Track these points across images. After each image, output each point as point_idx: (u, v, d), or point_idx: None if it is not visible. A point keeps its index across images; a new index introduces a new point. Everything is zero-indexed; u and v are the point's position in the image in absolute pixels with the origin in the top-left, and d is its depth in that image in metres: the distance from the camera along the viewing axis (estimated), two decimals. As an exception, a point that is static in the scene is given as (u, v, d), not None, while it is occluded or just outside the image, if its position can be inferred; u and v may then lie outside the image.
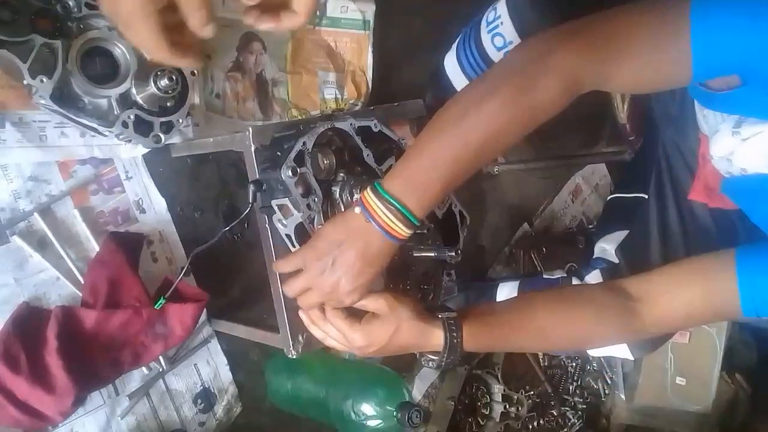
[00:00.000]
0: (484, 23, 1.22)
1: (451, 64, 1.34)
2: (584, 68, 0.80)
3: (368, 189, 0.82)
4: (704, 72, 0.78)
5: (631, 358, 1.24)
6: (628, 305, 0.95)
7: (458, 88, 1.34)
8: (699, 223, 1.17)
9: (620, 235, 1.32)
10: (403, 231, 0.82)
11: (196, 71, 1.08)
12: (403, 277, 1.03)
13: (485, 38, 1.22)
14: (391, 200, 0.80)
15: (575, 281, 1.28)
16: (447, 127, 0.81)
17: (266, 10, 0.76)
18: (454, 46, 1.34)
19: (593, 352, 1.29)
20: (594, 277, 1.26)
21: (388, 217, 0.80)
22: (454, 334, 0.89)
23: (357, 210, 0.83)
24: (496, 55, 1.22)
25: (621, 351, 1.23)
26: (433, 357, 0.93)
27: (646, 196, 1.26)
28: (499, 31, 1.19)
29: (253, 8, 0.75)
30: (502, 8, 1.17)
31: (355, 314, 0.92)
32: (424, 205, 0.81)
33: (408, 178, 0.81)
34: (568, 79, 0.79)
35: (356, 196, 0.84)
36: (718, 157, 0.97)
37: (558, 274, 1.35)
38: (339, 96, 1.41)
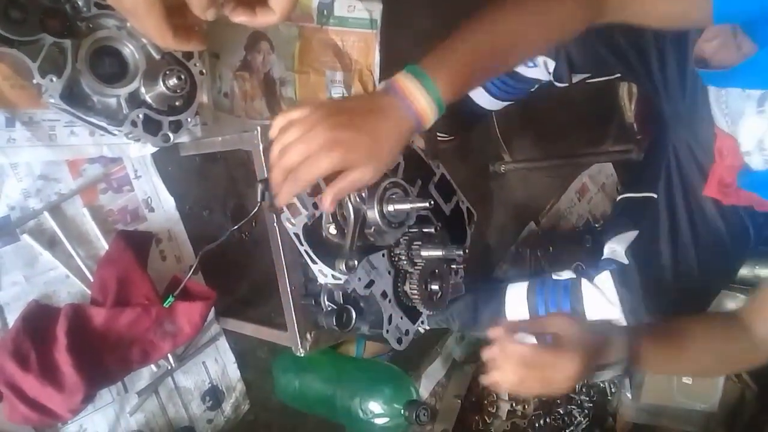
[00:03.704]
0: None
1: None
2: None
3: (401, 71, 0.83)
4: (724, 9, 0.79)
5: None
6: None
7: (473, 96, 1.34)
8: (708, 222, 1.17)
9: (630, 235, 1.31)
10: (427, 112, 0.80)
11: (204, 71, 1.09)
12: (411, 276, 1.03)
13: None
14: (423, 75, 0.80)
15: (585, 283, 1.27)
16: (478, 29, 0.85)
17: (243, 3, 0.76)
18: None
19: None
20: (603, 278, 1.25)
21: (415, 95, 0.80)
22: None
23: (383, 84, 0.86)
24: (521, 68, 1.22)
25: None
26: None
27: (656, 196, 1.26)
28: None
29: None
30: None
31: None
32: (452, 87, 0.81)
33: (440, 61, 0.82)
34: None
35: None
36: (750, 148, 0.96)
37: (566, 276, 1.34)
38: (346, 95, 1.42)
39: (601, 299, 1.23)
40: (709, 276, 1.22)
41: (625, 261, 1.25)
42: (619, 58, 1.15)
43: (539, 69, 1.22)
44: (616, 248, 1.31)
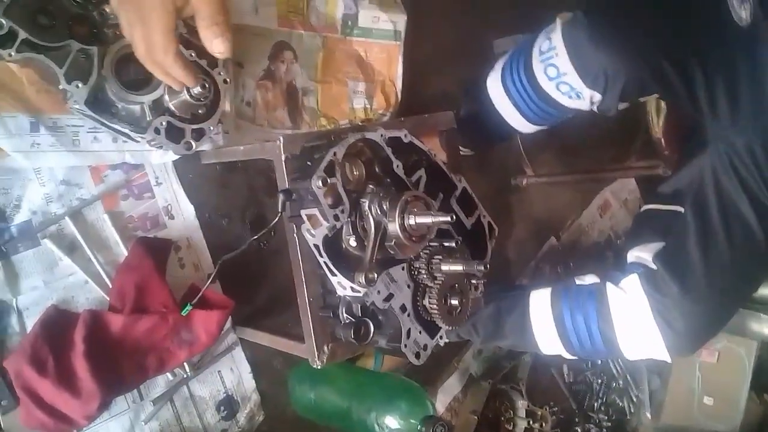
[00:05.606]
0: (536, 52, 1.20)
1: (495, 86, 1.32)
2: None
3: None
4: None
5: (669, 360, 1.21)
6: None
7: (501, 111, 1.32)
8: (746, 228, 1.14)
9: (655, 246, 1.28)
10: None
11: (228, 79, 1.09)
12: (430, 290, 1.01)
13: (537, 67, 1.20)
14: None
15: (610, 287, 1.24)
16: None
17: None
18: (499, 67, 1.32)
19: (630, 356, 1.25)
20: (630, 281, 1.22)
21: None
22: None
23: None
24: (548, 85, 1.21)
25: (658, 352, 1.20)
26: None
27: (683, 210, 1.23)
28: (553, 62, 1.17)
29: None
30: (557, 40, 1.16)
31: None
32: None
33: None
34: None
35: None
36: None
37: (590, 280, 1.31)
38: (368, 106, 1.41)
39: (628, 302, 1.20)
40: (742, 279, 1.19)
41: (654, 266, 1.22)
42: (659, 82, 1.13)
43: (583, 101, 1.21)
44: (641, 255, 1.28)
